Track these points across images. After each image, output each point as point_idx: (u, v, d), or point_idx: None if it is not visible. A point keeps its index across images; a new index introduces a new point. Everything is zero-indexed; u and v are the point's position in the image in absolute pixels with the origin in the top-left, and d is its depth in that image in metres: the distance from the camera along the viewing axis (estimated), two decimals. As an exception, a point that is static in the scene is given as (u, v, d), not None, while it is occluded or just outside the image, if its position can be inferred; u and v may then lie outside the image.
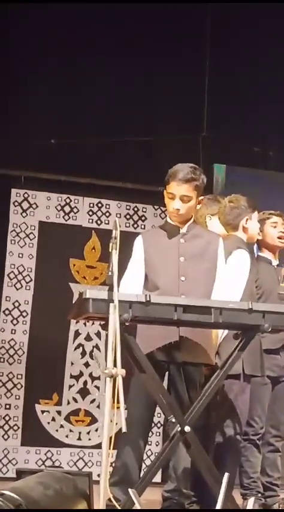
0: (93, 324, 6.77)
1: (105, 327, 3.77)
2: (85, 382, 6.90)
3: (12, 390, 6.74)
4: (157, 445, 6.79)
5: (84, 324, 6.86)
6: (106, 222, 7.08)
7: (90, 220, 7.10)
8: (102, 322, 3.94)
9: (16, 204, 6.93)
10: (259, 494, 4.92)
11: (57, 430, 6.80)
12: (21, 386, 6.76)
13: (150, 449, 6.59)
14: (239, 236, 4.78)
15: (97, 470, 6.11)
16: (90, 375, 6.91)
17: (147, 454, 6.13)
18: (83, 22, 6.92)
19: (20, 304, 6.84)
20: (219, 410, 4.58)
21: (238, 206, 4.81)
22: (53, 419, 6.79)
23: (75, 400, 6.87)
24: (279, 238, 5.26)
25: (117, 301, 3.54)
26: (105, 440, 3.40)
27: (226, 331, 4.38)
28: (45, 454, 6.73)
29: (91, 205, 7.13)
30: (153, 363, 3.98)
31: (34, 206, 6.96)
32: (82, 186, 7.06)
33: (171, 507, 4.33)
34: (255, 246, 5.32)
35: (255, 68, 7.32)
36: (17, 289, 6.85)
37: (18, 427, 6.72)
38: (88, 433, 6.86)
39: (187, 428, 3.87)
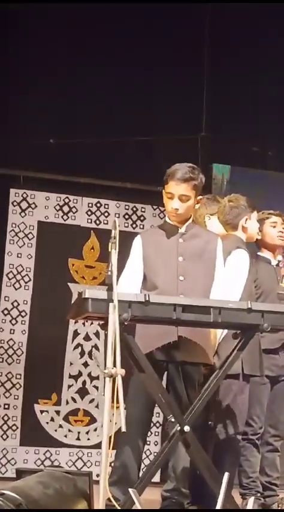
0: (92, 323, 6.76)
1: (104, 326, 3.78)
2: (84, 382, 6.90)
3: (11, 390, 6.73)
4: (156, 445, 6.79)
5: (83, 323, 6.86)
6: (105, 222, 7.08)
7: (89, 220, 7.10)
8: (101, 322, 3.94)
9: (15, 203, 6.93)
10: (258, 494, 4.92)
11: (56, 430, 6.80)
12: (20, 386, 6.75)
13: (148, 449, 6.59)
14: (239, 236, 4.79)
15: (96, 470, 6.11)
16: (89, 374, 6.91)
17: (145, 453, 6.12)
18: (83, 22, 6.92)
19: (18, 304, 6.84)
20: (218, 410, 4.59)
21: (237, 206, 4.82)
22: (52, 419, 6.79)
23: (74, 400, 6.87)
24: (278, 237, 5.26)
25: (117, 301, 3.55)
26: (105, 440, 3.40)
27: (225, 330, 4.39)
28: (44, 454, 6.73)
29: (90, 205, 7.13)
30: (152, 362, 3.99)
31: (33, 206, 6.96)
32: (81, 186, 7.06)
33: (170, 507, 4.32)
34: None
35: (254, 67, 7.32)
36: (16, 289, 6.85)
37: (17, 427, 6.72)
38: (87, 433, 6.86)
39: (186, 428, 3.87)
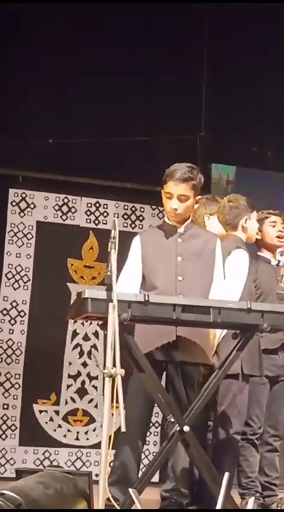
0: (91, 323, 6.76)
1: (103, 326, 3.78)
2: (83, 382, 6.90)
3: (10, 390, 6.73)
4: (155, 445, 6.79)
5: (82, 323, 6.85)
6: (104, 222, 7.08)
7: (88, 220, 7.10)
8: (100, 322, 3.94)
9: (14, 204, 6.93)
10: (258, 494, 4.92)
11: (55, 430, 6.80)
12: (19, 386, 6.75)
13: (148, 449, 6.60)
14: (239, 236, 4.79)
15: (95, 470, 6.10)
16: (88, 374, 6.91)
17: (144, 453, 6.14)
18: (83, 22, 6.92)
19: (17, 304, 6.83)
20: (218, 410, 4.59)
21: (237, 206, 4.82)
22: (51, 419, 6.79)
23: (73, 400, 6.87)
24: (278, 237, 5.26)
25: (116, 301, 3.55)
26: (105, 440, 3.40)
27: (225, 330, 4.39)
28: (43, 454, 6.73)
29: (89, 205, 7.12)
30: (151, 362, 3.99)
31: (32, 206, 6.96)
32: (80, 186, 7.06)
33: (170, 507, 4.33)
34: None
35: (253, 67, 7.32)
36: (15, 289, 6.85)
37: (16, 427, 6.71)
38: (86, 432, 6.86)
39: (185, 428, 3.87)
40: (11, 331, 6.80)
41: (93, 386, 6.90)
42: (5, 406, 6.71)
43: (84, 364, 6.91)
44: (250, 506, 4.12)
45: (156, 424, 6.72)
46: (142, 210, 7.23)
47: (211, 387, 4.00)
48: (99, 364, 6.60)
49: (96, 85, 6.98)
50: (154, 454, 5.30)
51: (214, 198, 5.17)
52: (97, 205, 7.14)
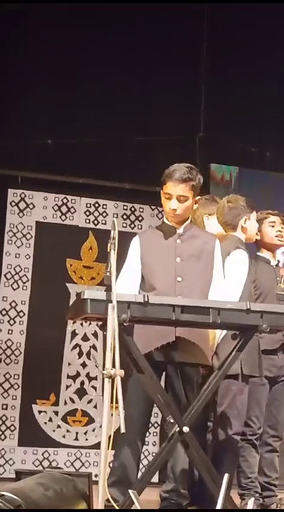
0: (90, 324, 6.76)
1: (103, 327, 3.77)
2: (82, 383, 6.90)
3: (9, 390, 6.73)
4: (154, 445, 6.79)
5: (81, 324, 6.86)
6: (103, 222, 7.08)
7: (87, 221, 7.10)
8: (100, 323, 3.93)
9: (13, 204, 6.93)
10: (257, 495, 4.92)
11: (54, 431, 6.80)
12: (18, 386, 6.75)
13: (147, 449, 6.60)
14: (238, 236, 4.79)
15: (94, 470, 6.11)
16: (87, 375, 6.91)
17: (144, 454, 6.14)
18: (82, 22, 6.92)
19: (17, 305, 6.84)
20: (217, 410, 4.59)
21: (236, 206, 4.82)
22: (50, 419, 6.79)
23: (72, 400, 6.87)
24: (277, 237, 5.26)
25: (116, 302, 3.54)
26: (104, 441, 3.40)
27: (224, 331, 4.39)
28: (42, 455, 6.73)
29: (88, 205, 7.12)
30: (150, 363, 3.98)
31: (31, 206, 6.96)
32: (79, 186, 7.06)
33: (169, 507, 4.32)
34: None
35: (252, 68, 7.32)
36: (14, 290, 6.85)
37: (15, 428, 6.71)
38: (85, 433, 6.86)
39: (185, 429, 3.87)
40: (10, 332, 6.80)
41: (92, 386, 6.90)
42: (4, 407, 6.71)
43: (83, 365, 6.91)
44: (249, 506, 4.12)
45: (156, 425, 6.72)
46: (141, 210, 7.23)
47: (210, 388, 3.99)
48: (98, 364, 6.60)
49: (95, 85, 6.99)
50: (154, 454, 5.29)
51: (213, 199, 5.16)
52: (97, 205, 7.14)
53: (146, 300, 3.78)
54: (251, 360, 4.59)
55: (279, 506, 5.05)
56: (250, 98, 7.36)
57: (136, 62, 7.08)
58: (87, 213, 7.10)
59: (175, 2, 6.96)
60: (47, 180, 6.97)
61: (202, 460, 3.93)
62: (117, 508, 3.75)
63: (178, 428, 3.87)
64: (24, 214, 6.94)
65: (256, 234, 5.06)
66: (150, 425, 5.71)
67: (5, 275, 6.84)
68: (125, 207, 7.21)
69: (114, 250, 3.66)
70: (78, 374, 6.90)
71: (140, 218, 7.20)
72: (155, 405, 4.15)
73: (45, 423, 6.78)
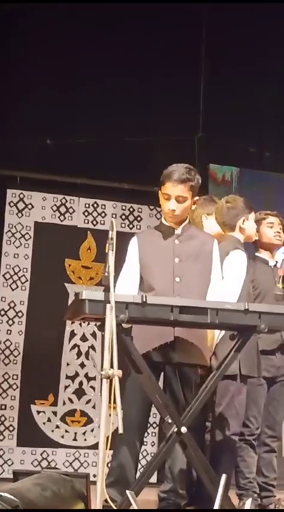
0: (88, 324, 6.77)
1: (101, 327, 3.77)
2: (81, 383, 6.89)
3: (7, 391, 6.73)
4: (152, 445, 6.79)
5: (80, 324, 6.86)
6: (102, 222, 7.08)
7: (86, 221, 7.10)
8: (98, 323, 3.93)
9: (12, 204, 6.93)
10: (255, 495, 4.92)
11: (52, 431, 6.79)
12: (17, 386, 6.75)
13: (145, 450, 6.60)
14: (236, 236, 4.79)
15: (93, 470, 6.13)
16: (86, 375, 6.91)
17: (142, 454, 6.14)
18: (82, 22, 6.92)
19: (15, 305, 6.83)
20: (216, 411, 4.59)
21: (235, 207, 4.82)
22: (49, 419, 6.79)
23: (70, 400, 6.87)
24: (275, 238, 5.26)
25: (114, 302, 3.54)
26: (102, 442, 3.40)
27: (223, 332, 4.39)
28: (41, 455, 6.73)
29: (87, 205, 7.12)
30: (148, 363, 3.99)
31: (30, 207, 6.96)
32: (78, 186, 7.05)
33: (167, 507, 4.32)
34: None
35: (251, 68, 7.32)
36: (13, 290, 6.85)
37: (14, 428, 6.71)
38: (84, 433, 6.85)
39: (183, 429, 3.87)
40: (8, 332, 6.80)
41: (91, 387, 6.90)
42: (3, 407, 6.71)
43: (82, 365, 6.91)
44: (247, 506, 4.12)
45: (154, 425, 6.72)
46: (140, 210, 7.23)
47: (208, 388, 4.00)
48: (96, 365, 6.60)
49: (93, 86, 6.99)
50: (152, 454, 5.29)
51: (212, 199, 5.17)
52: (95, 205, 7.14)
53: (144, 300, 3.78)
54: (250, 360, 4.60)
55: (277, 506, 5.06)
56: (249, 98, 7.36)
57: (135, 62, 7.07)
58: (86, 214, 7.10)
59: (174, 2, 6.96)
60: (45, 181, 6.96)
61: (200, 460, 3.93)
62: (115, 508, 3.75)
63: (176, 429, 3.88)
64: (22, 215, 6.94)
65: (255, 234, 5.06)
66: (149, 425, 5.73)
67: (3, 275, 6.84)
68: (124, 208, 7.20)
69: (112, 250, 3.66)
70: (76, 374, 6.90)
71: (139, 218, 7.20)
72: (153, 405, 4.15)
73: (44, 423, 6.78)
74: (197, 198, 4.44)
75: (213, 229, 4.91)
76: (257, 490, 5.00)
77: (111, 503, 3.71)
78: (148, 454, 6.61)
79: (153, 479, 4.46)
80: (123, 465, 4.24)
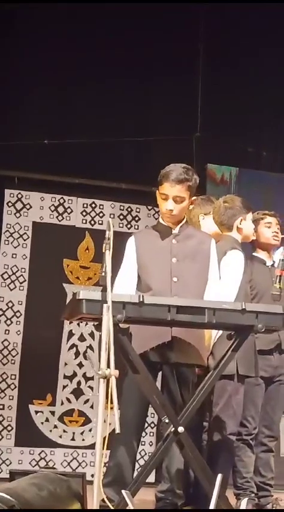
0: (86, 324, 6.77)
1: (98, 327, 3.77)
2: (78, 383, 6.90)
3: (5, 391, 6.73)
4: (150, 445, 6.79)
5: (78, 324, 6.86)
6: (100, 222, 7.08)
7: (84, 221, 7.10)
8: (96, 323, 3.93)
9: (10, 204, 6.93)
10: (253, 494, 4.92)
11: (50, 431, 6.80)
12: (15, 386, 6.75)
13: (143, 449, 6.60)
14: (234, 236, 4.79)
15: (90, 470, 6.11)
16: (84, 375, 6.91)
17: (140, 454, 6.14)
18: (81, 22, 6.93)
19: (13, 305, 6.84)
20: (213, 410, 4.59)
21: (232, 207, 4.82)
22: (47, 419, 6.79)
23: (68, 400, 6.87)
24: (273, 238, 5.26)
25: (111, 302, 3.54)
26: (99, 441, 3.40)
27: (220, 331, 4.39)
28: (39, 455, 6.73)
29: (85, 205, 7.13)
30: (146, 363, 3.98)
31: (28, 207, 6.96)
32: (76, 186, 7.06)
33: (165, 507, 4.32)
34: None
35: (249, 68, 7.32)
36: (11, 290, 6.85)
37: (12, 428, 6.72)
38: (81, 433, 6.86)
39: (180, 429, 3.87)
40: (6, 332, 6.80)
41: (89, 386, 6.90)
42: (1, 407, 6.71)
43: (80, 365, 6.91)
44: (243, 506, 4.12)
45: (152, 425, 6.72)
46: (138, 210, 7.23)
47: (206, 388, 3.99)
48: (93, 364, 6.60)
49: (92, 85, 6.99)
50: (150, 454, 5.29)
51: (209, 198, 5.17)
52: (93, 205, 7.14)
53: (141, 300, 3.78)
54: (247, 360, 4.60)
55: (275, 506, 5.06)
56: (248, 98, 7.36)
57: (133, 62, 7.07)
58: (84, 214, 7.10)
59: (173, 2, 6.96)
60: (43, 181, 6.97)
61: (197, 460, 3.93)
62: (112, 508, 3.75)
63: (173, 429, 3.87)
64: (21, 215, 6.94)
65: (252, 234, 5.06)
66: (147, 425, 5.73)
67: (1, 275, 6.84)
68: (122, 208, 7.21)
69: (109, 250, 3.66)
70: (74, 374, 6.90)
71: (137, 218, 7.21)
72: (151, 405, 4.15)
73: (42, 423, 6.78)
74: (194, 198, 4.44)
75: (210, 229, 4.91)
76: (255, 490, 5.00)
77: (108, 503, 3.71)
78: (146, 453, 6.62)
79: (151, 479, 4.44)
80: (121, 465, 4.24)
